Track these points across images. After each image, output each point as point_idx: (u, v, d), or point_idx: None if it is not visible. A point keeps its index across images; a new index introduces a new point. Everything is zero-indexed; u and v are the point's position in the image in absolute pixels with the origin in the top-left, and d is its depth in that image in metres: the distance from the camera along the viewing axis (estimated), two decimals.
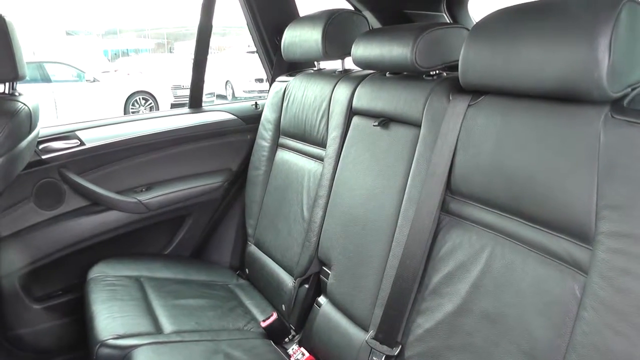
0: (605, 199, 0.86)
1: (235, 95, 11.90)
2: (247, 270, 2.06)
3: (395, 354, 1.23)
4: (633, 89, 0.92)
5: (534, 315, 0.96)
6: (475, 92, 1.17)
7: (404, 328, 1.24)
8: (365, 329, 1.37)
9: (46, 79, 9.34)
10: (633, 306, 0.80)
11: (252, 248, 2.03)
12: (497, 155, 1.07)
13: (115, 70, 12.96)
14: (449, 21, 2.20)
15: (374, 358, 1.28)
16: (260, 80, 10.73)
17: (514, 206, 1.04)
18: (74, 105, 9.18)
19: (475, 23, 1.12)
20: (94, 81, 9.79)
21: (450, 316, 1.13)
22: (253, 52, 2.31)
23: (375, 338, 1.29)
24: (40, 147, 1.88)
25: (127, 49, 22.59)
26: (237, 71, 11.90)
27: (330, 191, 1.63)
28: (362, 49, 1.53)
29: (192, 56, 2.23)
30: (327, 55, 1.76)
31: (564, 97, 0.95)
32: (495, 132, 1.08)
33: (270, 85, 2.18)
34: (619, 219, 0.84)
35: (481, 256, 1.09)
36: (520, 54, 0.99)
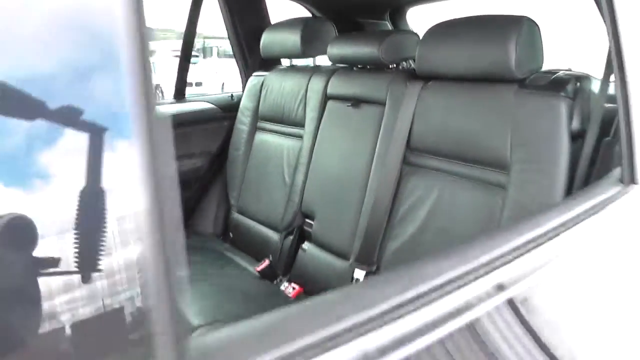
0: (515, 140, 1.36)
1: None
2: (231, 234, 2.37)
3: (374, 269, 1.66)
4: (533, 74, 1.43)
5: (472, 224, 1.43)
6: (426, 78, 1.64)
7: (378, 252, 1.67)
8: (347, 258, 1.77)
9: None
10: (534, 202, 1.30)
11: (236, 215, 2.34)
12: (444, 120, 1.54)
13: None
14: (391, 28, 2.68)
15: (356, 276, 1.70)
16: (199, 84, 10.77)
17: (456, 153, 1.51)
18: None
19: (427, 29, 1.59)
20: None
21: (414, 236, 1.58)
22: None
23: (356, 261, 1.72)
24: None
25: None
26: (165, 75, 11.82)
27: (310, 159, 2.01)
28: (337, 48, 1.97)
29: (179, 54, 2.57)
30: (305, 53, 2.16)
31: (489, 79, 1.44)
32: (442, 105, 1.56)
33: (244, 82, 2.54)
34: (524, 151, 1.34)
35: (434, 190, 1.55)
36: (458, 50, 1.48)
